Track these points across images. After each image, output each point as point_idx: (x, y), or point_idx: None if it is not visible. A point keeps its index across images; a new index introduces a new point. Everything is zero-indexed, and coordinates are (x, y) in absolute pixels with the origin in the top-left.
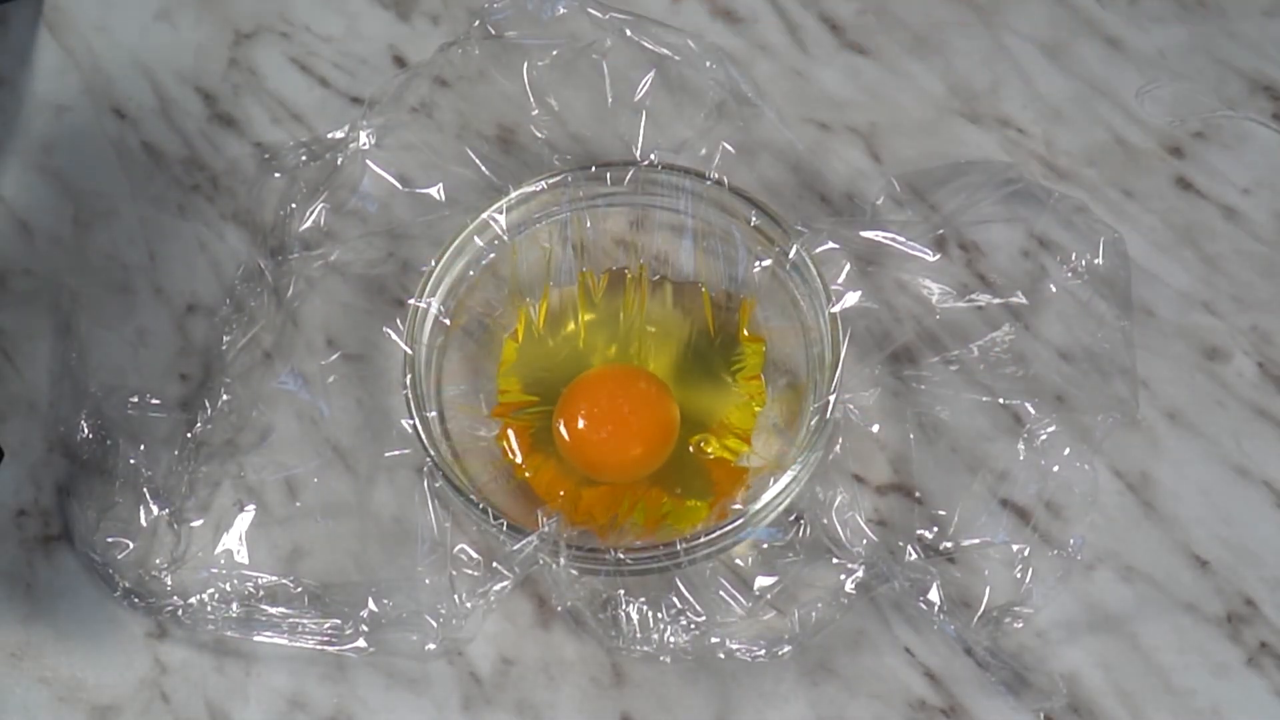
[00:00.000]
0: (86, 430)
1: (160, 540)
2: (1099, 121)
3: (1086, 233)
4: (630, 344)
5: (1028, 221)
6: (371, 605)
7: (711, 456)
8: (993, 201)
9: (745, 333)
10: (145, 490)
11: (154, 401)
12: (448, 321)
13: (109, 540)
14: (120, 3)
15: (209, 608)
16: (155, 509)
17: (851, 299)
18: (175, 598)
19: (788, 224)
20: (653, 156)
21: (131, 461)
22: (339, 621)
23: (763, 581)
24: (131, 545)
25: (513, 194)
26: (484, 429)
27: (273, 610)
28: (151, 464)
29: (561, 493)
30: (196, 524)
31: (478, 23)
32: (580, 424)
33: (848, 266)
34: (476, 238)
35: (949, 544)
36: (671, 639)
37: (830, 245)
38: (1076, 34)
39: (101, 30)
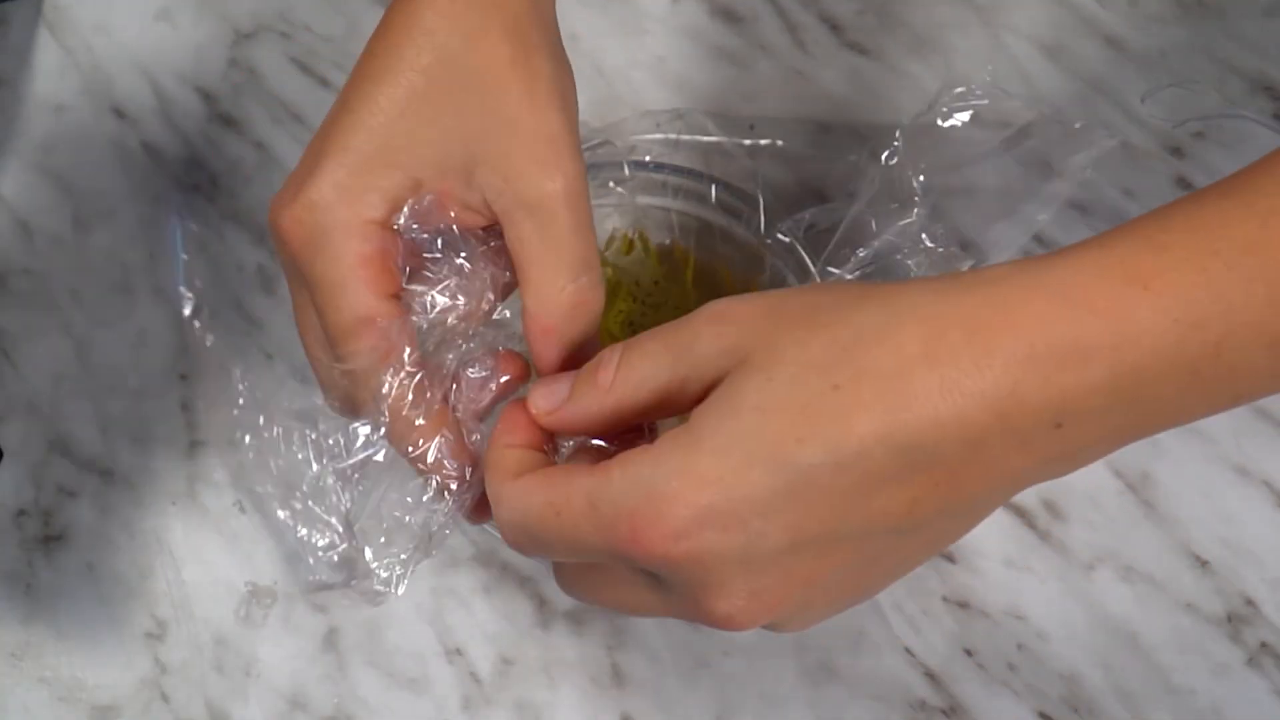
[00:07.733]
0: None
1: (161, 544)
2: (1099, 121)
3: (1085, 232)
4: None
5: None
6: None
7: None
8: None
9: None
10: (143, 492)
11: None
12: None
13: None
14: (120, 3)
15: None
16: (154, 510)
17: None
18: (177, 600)
19: (788, 224)
20: (650, 157)
21: (134, 463)
22: None
23: None
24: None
25: None
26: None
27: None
28: (151, 464)
29: None
30: (195, 525)
31: None
32: None
33: (848, 266)
34: None
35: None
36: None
37: (830, 245)
38: (1076, 34)
39: (101, 30)
